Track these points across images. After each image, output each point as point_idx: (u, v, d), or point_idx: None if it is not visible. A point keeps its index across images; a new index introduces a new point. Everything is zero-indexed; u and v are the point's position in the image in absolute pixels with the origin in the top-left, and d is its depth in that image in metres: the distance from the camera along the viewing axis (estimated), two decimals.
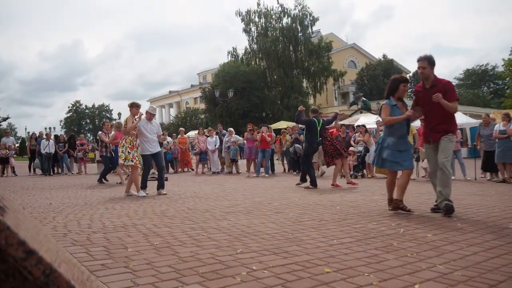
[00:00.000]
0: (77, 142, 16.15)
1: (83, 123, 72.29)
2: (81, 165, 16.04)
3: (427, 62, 4.80)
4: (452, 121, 4.94)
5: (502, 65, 34.45)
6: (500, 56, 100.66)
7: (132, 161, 7.43)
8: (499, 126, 9.44)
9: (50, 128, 48.76)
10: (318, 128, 8.54)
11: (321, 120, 8.72)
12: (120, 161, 7.88)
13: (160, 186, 7.63)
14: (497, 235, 3.55)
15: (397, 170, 5.05)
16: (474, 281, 2.35)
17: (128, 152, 7.43)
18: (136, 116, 7.54)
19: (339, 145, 8.76)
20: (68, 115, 71.71)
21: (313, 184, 8.35)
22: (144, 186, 7.58)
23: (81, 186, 9.88)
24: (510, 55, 34.70)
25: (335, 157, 8.59)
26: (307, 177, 8.53)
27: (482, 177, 10.21)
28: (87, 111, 73.24)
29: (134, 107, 7.63)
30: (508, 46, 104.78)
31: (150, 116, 7.75)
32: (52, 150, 15.15)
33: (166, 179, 9.93)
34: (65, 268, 0.74)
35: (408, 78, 54.04)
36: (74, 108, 72.19)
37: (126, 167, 7.78)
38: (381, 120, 5.47)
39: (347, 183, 8.58)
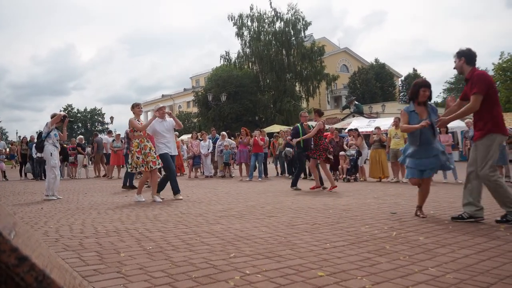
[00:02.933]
0: (68, 146, 15.99)
1: (75, 127, 71.80)
2: (72, 169, 15.91)
3: (457, 56, 4.63)
4: (485, 117, 4.36)
5: (492, 69, 34.82)
6: (490, 60, 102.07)
7: (142, 165, 6.99)
8: None
9: (41, 132, 48.31)
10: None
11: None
12: (129, 170, 7.54)
13: (161, 188, 7.33)
14: (488, 238, 3.58)
15: (418, 177, 4.81)
16: (466, 283, 2.37)
17: (137, 157, 6.99)
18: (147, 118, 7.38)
19: (327, 151, 8.61)
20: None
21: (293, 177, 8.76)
22: (177, 191, 7.25)
23: (73, 190, 9.80)
24: (499, 59, 35.09)
25: (321, 156, 8.51)
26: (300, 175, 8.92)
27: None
28: (79, 115, 72.80)
29: (135, 107, 7.39)
30: (497, 51, 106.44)
31: (161, 114, 7.33)
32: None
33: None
34: (57, 274, 0.74)
35: (400, 81, 53.79)
36: (66, 112, 71.65)
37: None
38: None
39: (311, 188, 8.66)
